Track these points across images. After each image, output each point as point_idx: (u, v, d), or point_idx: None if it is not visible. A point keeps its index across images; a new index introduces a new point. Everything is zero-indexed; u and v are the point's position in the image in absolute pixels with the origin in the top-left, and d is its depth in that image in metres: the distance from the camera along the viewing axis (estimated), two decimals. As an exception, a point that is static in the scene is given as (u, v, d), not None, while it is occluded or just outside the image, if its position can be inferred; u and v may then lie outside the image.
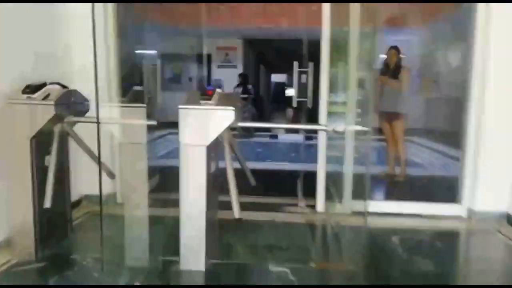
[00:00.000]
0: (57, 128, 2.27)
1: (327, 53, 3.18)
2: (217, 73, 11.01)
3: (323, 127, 2.23)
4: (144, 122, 2.36)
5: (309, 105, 3.81)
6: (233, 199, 1.95)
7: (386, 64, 4.52)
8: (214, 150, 2.19)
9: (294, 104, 3.83)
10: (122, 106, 3.06)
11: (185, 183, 2.10)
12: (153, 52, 11.20)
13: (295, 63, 3.78)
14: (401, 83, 4.35)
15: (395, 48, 4.45)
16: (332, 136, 3.12)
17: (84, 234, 2.82)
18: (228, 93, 2.14)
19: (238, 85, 8.98)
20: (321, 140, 3.32)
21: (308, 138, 9.00)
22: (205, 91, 2.06)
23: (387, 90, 4.42)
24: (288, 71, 26.79)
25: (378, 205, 3.33)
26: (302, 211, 3.30)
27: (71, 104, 2.38)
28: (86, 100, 2.52)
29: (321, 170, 3.36)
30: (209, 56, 10.99)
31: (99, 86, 3.17)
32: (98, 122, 2.01)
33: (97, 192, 3.29)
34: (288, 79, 29.23)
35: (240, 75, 9.23)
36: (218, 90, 2.17)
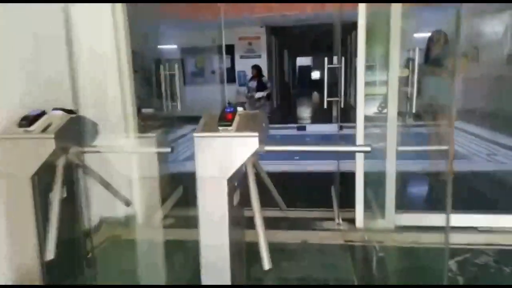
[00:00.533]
0: (61, 162, 2.02)
1: (363, 40, 2.75)
2: (241, 64, 10.67)
3: (366, 149, 1.85)
4: (157, 150, 2.09)
5: (342, 105, 3.43)
6: (261, 246, 1.64)
7: (428, 49, 4.01)
8: (236, 179, 1.88)
9: (325, 106, 3.44)
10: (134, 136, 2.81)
11: (204, 223, 1.81)
12: (173, 47, 11.02)
13: (325, 59, 3.38)
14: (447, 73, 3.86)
15: (440, 33, 3.94)
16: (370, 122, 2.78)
17: (103, 266, 2.62)
18: (252, 113, 1.79)
19: (251, 79, 8.10)
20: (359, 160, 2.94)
21: (340, 128, 8.59)
22: (224, 115, 1.74)
23: (430, 80, 3.94)
24: (313, 53, 26.03)
25: (421, 216, 2.94)
26: (338, 228, 2.95)
27: (77, 132, 2.13)
28: (94, 124, 2.26)
29: (359, 177, 2.99)
30: (231, 47, 10.65)
31: (110, 107, 2.98)
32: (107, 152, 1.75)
33: (116, 214, 3.13)
34: (313, 61, 28.62)
35: (253, 67, 8.24)
36: (240, 110, 1.85)
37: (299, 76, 28.26)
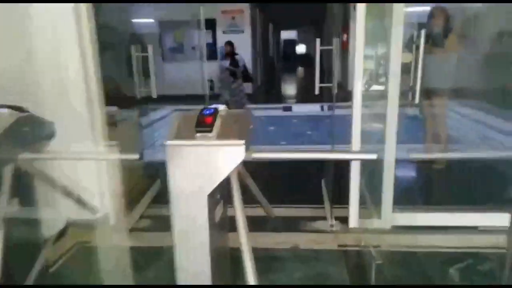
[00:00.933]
0: (8, 170, 1.68)
1: (363, 11, 2.41)
2: (223, 40, 10.14)
3: (371, 156, 1.57)
4: (122, 157, 1.76)
5: (335, 90, 3.13)
6: (248, 275, 1.37)
7: (429, 27, 3.71)
8: (218, 191, 1.59)
9: (317, 91, 3.14)
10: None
11: (181, 246, 1.53)
12: (150, 21, 10.36)
13: (317, 40, 3.04)
14: (447, 58, 3.59)
15: (441, 9, 3.63)
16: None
17: (67, 279, 2.33)
18: (235, 114, 1.47)
19: (225, 57, 7.18)
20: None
21: (327, 108, 8.33)
22: (202, 118, 1.42)
23: (428, 60, 3.67)
24: (298, 27, 25.38)
25: (420, 215, 2.74)
26: (331, 230, 2.72)
27: (27, 134, 1.78)
28: (49, 124, 1.91)
29: (355, 172, 2.74)
30: (213, 22, 10.10)
31: (71, 97, 2.59)
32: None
33: (86, 216, 2.81)
34: (298, 35, 28.00)
35: (226, 43, 7.35)
36: (221, 108, 1.53)
37: (283, 50, 27.68)
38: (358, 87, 2.50)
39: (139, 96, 3.29)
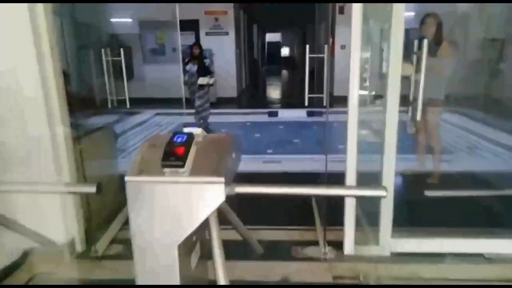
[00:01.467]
0: None
1: (359, 12, 2.12)
2: (206, 42, 9.81)
3: (380, 193, 1.30)
4: (78, 190, 1.43)
5: (326, 103, 2.86)
6: None
7: (421, 37, 3.50)
8: (193, 237, 1.29)
9: (306, 103, 2.88)
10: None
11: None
12: (127, 20, 9.94)
13: (307, 46, 2.78)
14: (440, 67, 3.37)
15: (433, 16, 3.42)
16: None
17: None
18: (215, 139, 1.15)
19: (188, 61, 6.36)
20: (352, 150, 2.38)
21: (311, 114, 8.09)
22: (172, 149, 1.11)
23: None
24: (283, 29, 25.30)
25: (413, 239, 2.48)
26: (324, 257, 2.44)
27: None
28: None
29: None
30: (195, 22, 9.76)
31: (27, 113, 2.23)
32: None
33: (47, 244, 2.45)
34: (283, 37, 27.88)
35: (193, 45, 6.55)
36: (197, 132, 1.24)
37: (268, 52, 27.48)
38: (354, 94, 2.20)
39: (110, 105, 2.96)
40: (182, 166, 1.08)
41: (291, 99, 10.97)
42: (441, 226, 2.55)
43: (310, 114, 7.81)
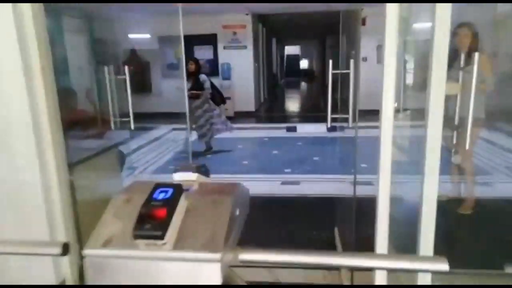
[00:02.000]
0: None
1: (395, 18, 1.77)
2: (224, 56, 9.66)
3: (441, 267, 0.96)
4: (43, 251, 1.15)
5: (353, 119, 2.53)
6: None
7: (454, 49, 3.14)
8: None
9: (329, 124, 2.55)
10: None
11: None
12: (146, 36, 9.92)
13: (330, 62, 2.47)
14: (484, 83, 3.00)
15: (467, 26, 3.06)
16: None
17: None
18: (214, 189, 0.82)
19: (188, 77, 5.80)
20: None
21: (332, 129, 7.74)
22: (148, 212, 0.81)
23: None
24: (302, 41, 25.25)
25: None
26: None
27: None
28: None
29: (383, 219, 2.05)
30: (213, 37, 9.62)
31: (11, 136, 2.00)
32: None
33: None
34: (302, 50, 27.73)
35: (190, 61, 5.98)
36: (190, 178, 0.94)
37: (287, 65, 27.33)
38: (388, 106, 1.81)
39: (114, 126, 2.72)
40: (161, 237, 0.78)
41: (310, 113, 10.64)
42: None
43: (330, 129, 7.45)
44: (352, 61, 2.50)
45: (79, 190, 2.34)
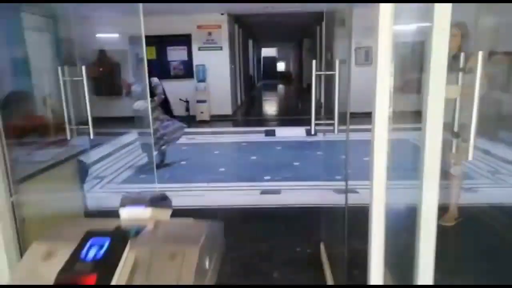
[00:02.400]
0: None
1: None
2: (199, 57, 9.33)
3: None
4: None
5: (336, 130, 2.29)
6: None
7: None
8: None
9: (313, 131, 2.32)
10: None
11: None
12: (115, 36, 9.47)
13: (313, 62, 2.24)
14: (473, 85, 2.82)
15: (459, 27, 2.90)
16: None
17: None
18: (174, 231, 0.53)
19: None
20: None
21: (311, 133, 7.51)
22: (72, 276, 0.53)
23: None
24: (279, 43, 25.19)
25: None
26: None
27: None
28: None
29: (377, 233, 1.79)
30: (188, 37, 9.29)
31: None
32: None
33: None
34: (279, 52, 27.69)
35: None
36: (139, 220, 0.67)
37: (263, 68, 27.19)
38: (383, 111, 1.59)
39: (70, 135, 2.38)
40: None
41: (288, 116, 10.46)
42: None
43: (310, 132, 7.27)
44: (337, 61, 2.28)
45: (30, 207, 2.01)
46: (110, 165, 5.55)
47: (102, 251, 0.55)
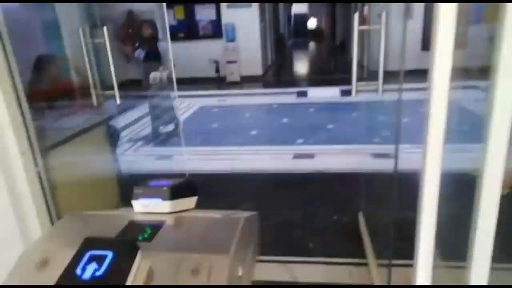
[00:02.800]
0: None
1: None
2: (228, 16, 8.97)
3: None
4: None
5: (381, 91, 2.07)
6: None
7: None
8: None
9: (354, 93, 2.10)
10: None
11: None
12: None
13: (355, 16, 1.98)
14: None
15: None
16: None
17: None
18: (200, 229, 0.39)
19: (139, 45, 4.89)
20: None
21: (346, 92, 7.18)
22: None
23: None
24: (309, -1, 23.93)
25: None
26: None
27: None
28: None
29: (429, 195, 1.60)
30: (216, -6, 8.91)
31: None
32: None
33: None
34: (310, 8, 26.40)
35: (144, 24, 5.11)
36: (158, 213, 0.54)
37: (294, 25, 26.12)
38: (444, 66, 1.35)
39: (95, 100, 2.30)
40: None
41: (321, 76, 10.05)
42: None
43: (344, 93, 6.93)
44: (383, 14, 2.00)
45: (63, 174, 1.99)
46: (141, 129, 5.55)
47: (101, 269, 0.43)
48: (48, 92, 2.88)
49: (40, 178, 1.67)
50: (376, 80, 2.07)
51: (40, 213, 1.74)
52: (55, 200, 1.85)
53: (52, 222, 1.77)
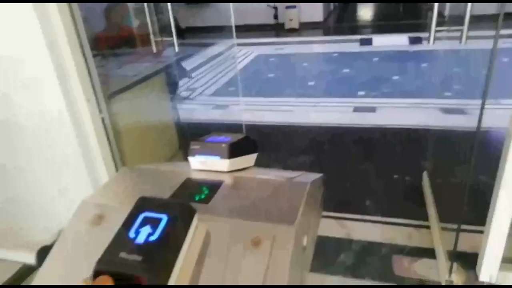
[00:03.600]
0: None
1: None
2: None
3: None
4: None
5: (464, 41, 1.81)
6: None
7: None
8: None
9: (431, 42, 1.86)
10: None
11: None
12: None
13: None
14: None
15: None
16: None
17: None
18: (264, 190, 0.35)
19: None
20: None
21: (416, 40, 6.54)
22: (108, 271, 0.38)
23: None
24: None
25: None
26: (446, 283, 1.64)
27: None
28: None
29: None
30: None
31: None
32: None
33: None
34: None
35: None
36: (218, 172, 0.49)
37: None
38: None
39: (155, 49, 2.29)
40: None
41: (387, 21, 9.25)
42: None
43: (413, 41, 6.35)
44: None
45: (125, 120, 2.06)
46: (200, 77, 5.58)
47: (157, 232, 0.40)
48: (113, 39, 2.95)
49: (104, 124, 1.73)
50: (458, 25, 1.81)
51: (106, 157, 1.82)
52: (119, 145, 1.93)
53: (116, 167, 1.86)
